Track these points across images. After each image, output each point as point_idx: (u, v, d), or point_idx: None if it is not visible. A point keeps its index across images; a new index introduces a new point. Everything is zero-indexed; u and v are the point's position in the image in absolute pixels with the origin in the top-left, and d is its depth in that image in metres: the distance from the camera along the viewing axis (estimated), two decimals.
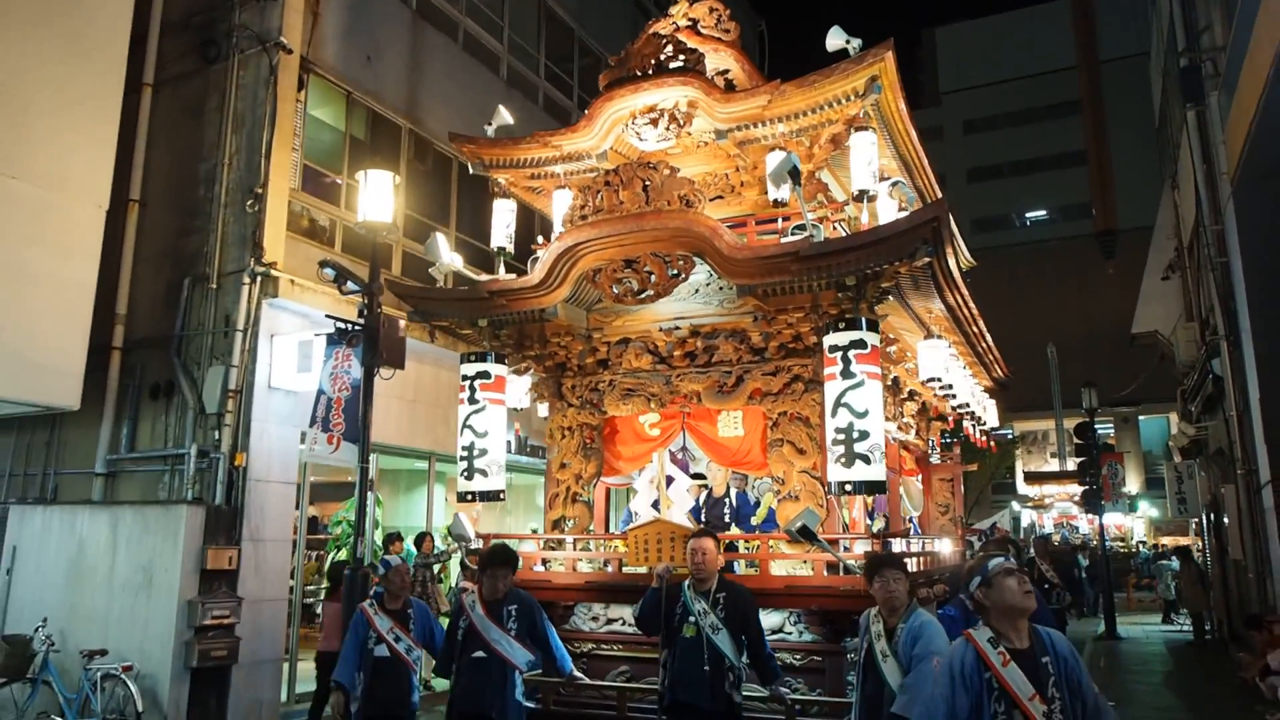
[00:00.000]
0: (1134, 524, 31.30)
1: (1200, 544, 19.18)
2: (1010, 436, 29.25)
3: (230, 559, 8.28)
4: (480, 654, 5.00)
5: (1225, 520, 13.91)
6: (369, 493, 7.68)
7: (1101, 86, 25.93)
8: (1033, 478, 27.61)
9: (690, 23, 7.25)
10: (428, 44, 11.84)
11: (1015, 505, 26.17)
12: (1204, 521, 17.68)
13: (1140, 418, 31.03)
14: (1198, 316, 14.29)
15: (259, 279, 8.89)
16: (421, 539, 10.20)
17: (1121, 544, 28.81)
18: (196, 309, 9.29)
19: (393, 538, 9.97)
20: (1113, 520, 29.53)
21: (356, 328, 7.40)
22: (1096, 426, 18.97)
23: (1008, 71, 42.02)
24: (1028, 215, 43.05)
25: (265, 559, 8.73)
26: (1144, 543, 29.08)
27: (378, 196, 7.43)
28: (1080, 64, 26.91)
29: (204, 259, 9.31)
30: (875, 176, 6.24)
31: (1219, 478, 13.99)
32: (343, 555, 10.34)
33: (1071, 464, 21.26)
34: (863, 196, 6.18)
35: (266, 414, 8.97)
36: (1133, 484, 29.05)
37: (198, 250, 9.44)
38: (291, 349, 8.98)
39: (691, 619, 4.76)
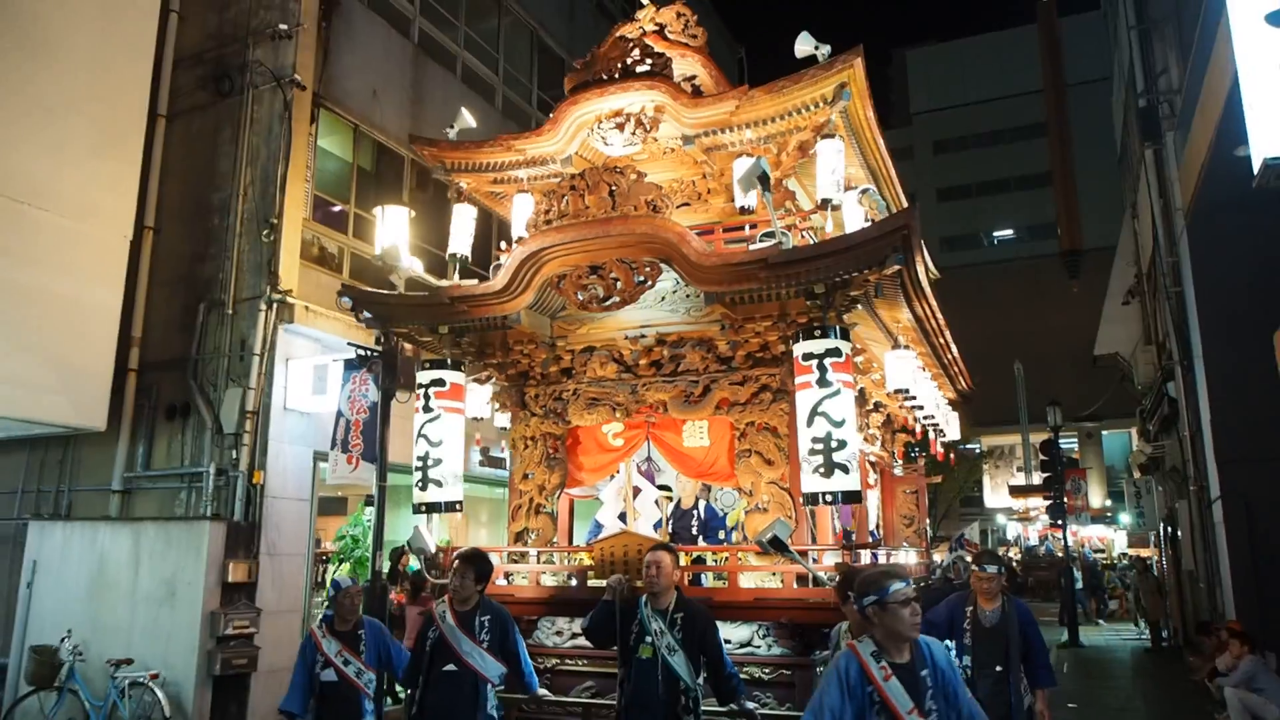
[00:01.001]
0: (1116, 535, 31.70)
1: (1158, 555, 19.91)
2: (978, 451, 29.50)
3: (249, 571, 8.61)
4: (451, 667, 4.75)
5: (1180, 533, 14.65)
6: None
7: (1067, 110, 26.57)
8: (1017, 491, 27.85)
9: (657, 27, 7.19)
10: (428, 77, 12.23)
11: (1000, 518, 26.35)
12: (1161, 534, 18.43)
13: (1103, 433, 31.69)
14: (1155, 341, 14.90)
15: (275, 305, 9.19)
16: (398, 554, 9.91)
17: (1103, 555, 29.19)
18: (212, 333, 9.58)
19: (399, 552, 9.66)
20: (1095, 532, 30.05)
21: (374, 354, 7.75)
22: (1061, 441, 19.83)
23: (977, 94, 43.06)
24: (995, 234, 43.95)
25: (281, 572, 9.05)
26: (1125, 554, 29.42)
27: (394, 230, 7.43)
28: (1046, 88, 27.56)
29: (219, 285, 9.59)
30: (840, 186, 6.18)
31: (1175, 493, 14.55)
32: (345, 569, 10.60)
33: (1037, 478, 21.57)
34: (826, 205, 6.11)
35: (282, 434, 9.25)
36: (1095, 498, 29.46)
37: (212, 276, 9.70)
38: (306, 372, 9.37)
39: (648, 639, 4.57)
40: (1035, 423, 21.48)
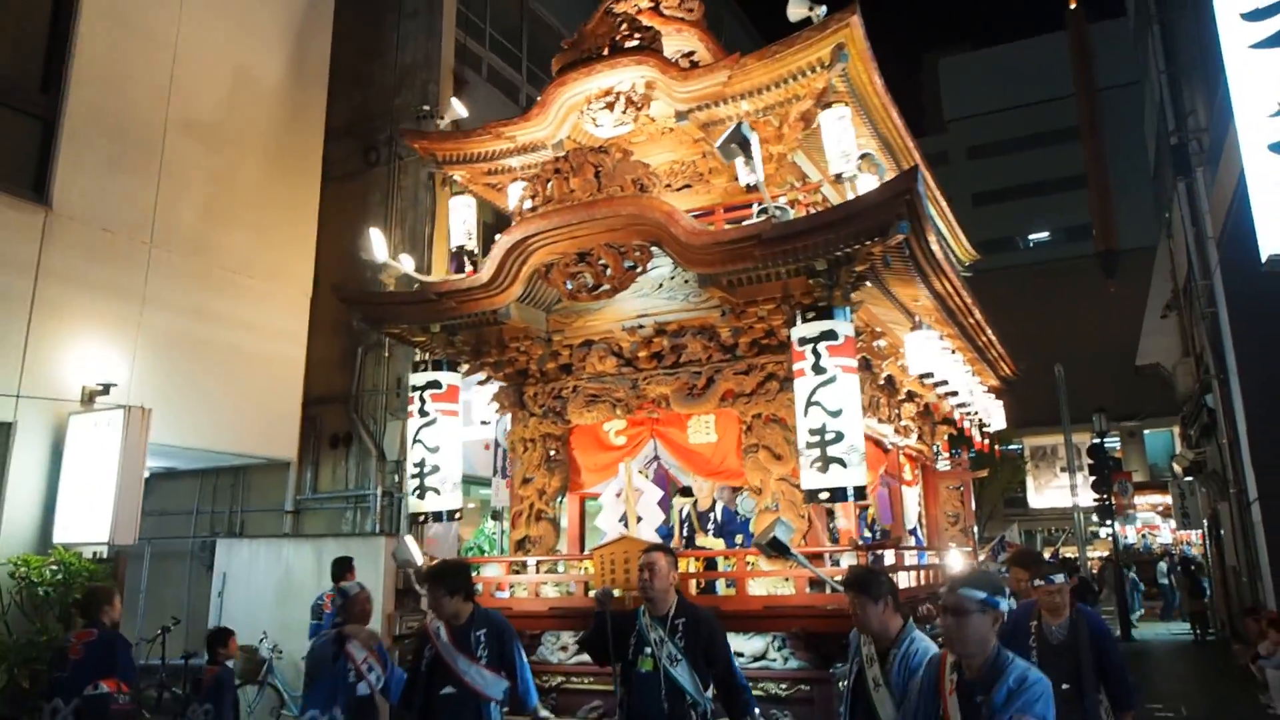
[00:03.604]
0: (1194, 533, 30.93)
1: (1203, 551, 20.63)
2: (1020, 451, 28.74)
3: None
4: (450, 689, 4.30)
5: (1222, 532, 15.66)
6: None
7: (1099, 113, 26.97)
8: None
9: (652, 3, 6.79)
10: None
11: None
12: (1206, 532, 19.01)
13: (1145, 432, 31.36)
14: (1193, 352, 15.96)
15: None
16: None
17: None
18: (370, 372, 10.96)
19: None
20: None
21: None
22: (1105, 441, 20.38)
23: (1009, 100, 43.09)
24: (1031, 237, 43.90)
25: None
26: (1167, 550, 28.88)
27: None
28: (1078, 92, 28.20)
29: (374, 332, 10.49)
30: (850, 157, 5.70)
31: (1217, 495, 15.35)
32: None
33: (1080, 479, 21.42)
34: (840, 179, 5.64)
35: None
36: (1140, 497, 28.74)
37: (368, 326, 10.57)
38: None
39: (647, 650, 4.10)
40: (1076, 423, 21.09)
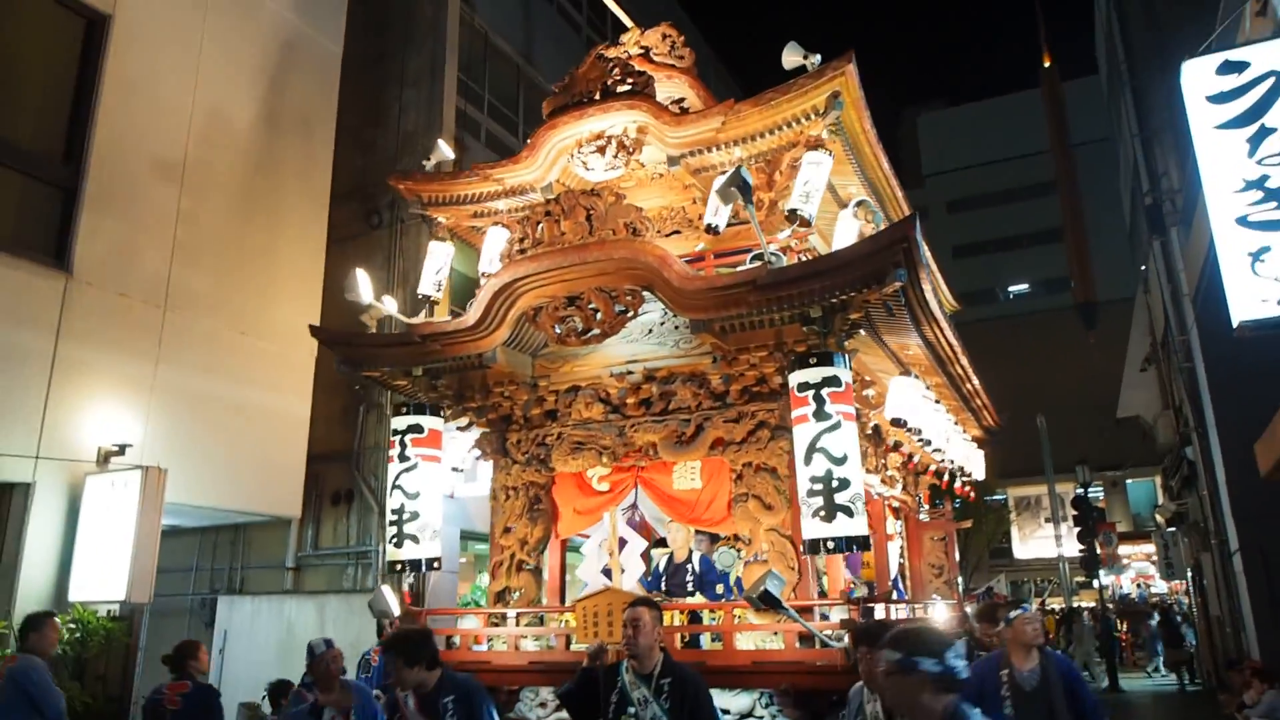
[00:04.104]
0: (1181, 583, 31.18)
1: (1189, 600, 20.83)
2: (1004, 501, 28.78)
3: None
4: None
5: (1205, 582, 15.84)
6: None
7: (1075, 168, 27.50)
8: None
9: (643, 50, 6.79)
10: None
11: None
12: (1189, 581, 19.15)
13: (1128, 481, 31.74)
14: (1172, 405, 16.26)
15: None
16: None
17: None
18: (371, 430, 11.01)
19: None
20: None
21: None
22: (1088, 491, 20.60)
23: (987, 155, 44.16)
24: (1011, 289, 44.68)
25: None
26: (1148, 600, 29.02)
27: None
28: (1053, 148, 28.61)
29: (376, 389, 10.49)
30: (811, 198, 5.52)
31: (1199, 545, 15.53)
32: None
33: (1064, 529, 21.70)
34: (793, 218, 5.43)
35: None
36: (1123, 546, 28.82)
37: (369, 383, 10.55)
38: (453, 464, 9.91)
39: (631, 710, 3.94)
40: (1059, 473, 21.31)
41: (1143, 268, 17.43)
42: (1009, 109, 43.60)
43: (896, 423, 6.21)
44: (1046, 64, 30.45)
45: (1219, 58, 4.84)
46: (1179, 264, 12.58)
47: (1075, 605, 20.21)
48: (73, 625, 7.36)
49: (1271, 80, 4.64)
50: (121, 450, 8.37)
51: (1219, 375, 11.08)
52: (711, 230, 5.51)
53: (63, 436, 8.11)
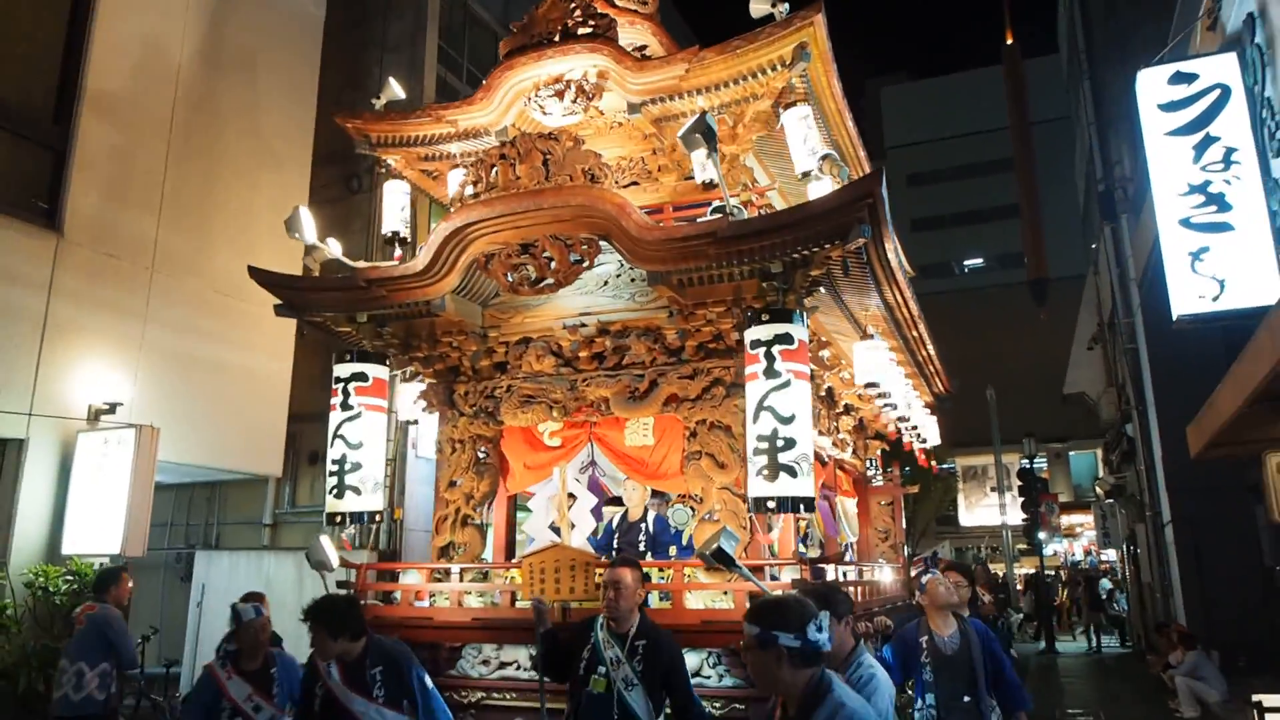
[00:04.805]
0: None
1: (1123, 569, 21.67)
2: (953, 470, 29.29)
3: None
4: None
5: (1139, 551, 16.74)
6: None
7: (1033, 147, 27.68)
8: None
9: None
10: None
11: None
12: (1124, 551, 20.00)
13: (1070, 453, 32.60)
14: (1115, 384, 17.01)
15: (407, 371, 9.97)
16: None
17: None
18: None
19: None
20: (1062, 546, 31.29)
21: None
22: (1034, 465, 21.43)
23: (948, 129, 44.34)
24: (966, 263, 45.11)
25: None
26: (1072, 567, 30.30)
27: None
28: (1012, 127, 28.89)
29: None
30: (816, 155, 5.52)
31: (1135, 516, 16.31)
32: None
33: (1009, 499, 22.19)
34: (808, 178, 5.44)
35: (414, 478, 11.29)
36: (1064, 516, 29.68)
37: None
38: (433, 425, 10.11)
39: (601, 670, 3.80)
40: (1006, 444, 21.84)
41: (1093, 245, 17.80)
42: (971, 85, 43.75)
43: (870, 387, 6.15)
44: (1009, 41, 30.54)
45: (1171, 68, 5.10)
46: (1127, 250, 13.10)
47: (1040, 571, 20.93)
48: (70, 577, 7.70)
49: (1217, 92, 4.97)
50: (112, 409, 8.59)
51: (1160, 358, 11.77)
52: (708, 186, 5.34)
53: (55, 394, 8.31)
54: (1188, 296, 4.78)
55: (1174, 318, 4.89)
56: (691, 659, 5.15)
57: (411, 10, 12.77)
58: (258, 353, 10.50)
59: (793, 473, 4.65)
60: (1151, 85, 5.14)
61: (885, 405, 6.80)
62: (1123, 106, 12.58)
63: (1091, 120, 15.39)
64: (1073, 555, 30.90)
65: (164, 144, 9.65)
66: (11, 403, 7.99)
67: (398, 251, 6.47)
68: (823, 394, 6.96)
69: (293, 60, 11.49)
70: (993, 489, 29.89)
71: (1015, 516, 21.66)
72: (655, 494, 6.67)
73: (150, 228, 9.38)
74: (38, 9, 8.79)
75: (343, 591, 5.24)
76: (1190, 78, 5.04)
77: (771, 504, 4.68)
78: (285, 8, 11.51)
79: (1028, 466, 20.53)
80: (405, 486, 11.26)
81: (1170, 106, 5.04)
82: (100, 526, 7.95)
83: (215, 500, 12.04)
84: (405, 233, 6.60)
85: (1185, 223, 4.84)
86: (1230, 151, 4.84)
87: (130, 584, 6.26)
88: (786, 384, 4.74)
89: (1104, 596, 21.17)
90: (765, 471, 4.70)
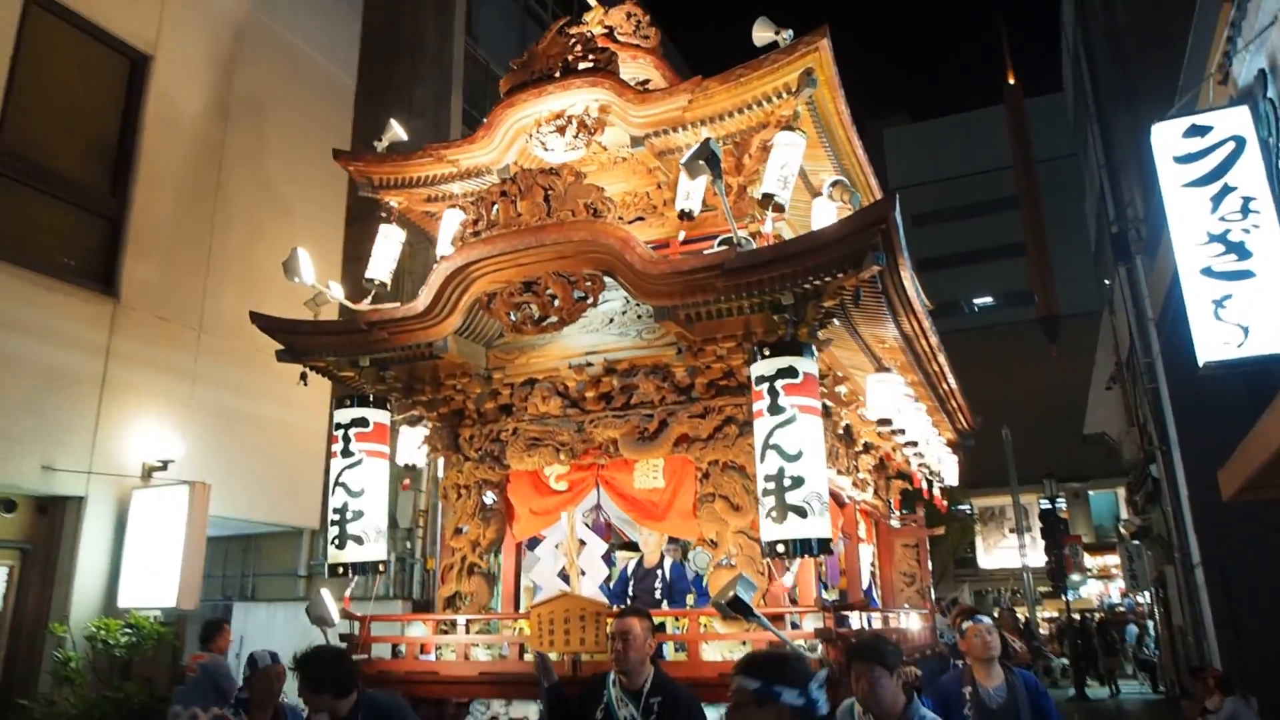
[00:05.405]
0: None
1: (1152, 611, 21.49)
2: (970, 512, 28.84)
3: None
4: None
5: (1168, 594, 16.57)
6: None
7: (1038, 185, 27.96)
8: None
9: (606, 30, 6.51)
10: None
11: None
12: (1153, 593, 19.81)
13: (1090, 492, 32.18)
14: (1137, 423, 16.83)
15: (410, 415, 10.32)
16: None
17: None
18: None
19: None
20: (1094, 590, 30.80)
21: None
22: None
23: (951, 169, 44.66)
24: (976, 302, 45.03)
25: None
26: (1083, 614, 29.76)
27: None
28: (1016, 166, 29.05)
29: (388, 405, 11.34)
30: (787, 182, 5.26)
31: (1162, 558, 16.12)
32: None
33: (1028, 540, 21.87)
34: (768, 202, 5.15)
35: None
36: (1086, 556, 29.10)
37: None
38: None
39: None
40: (1022, 484, 21.54)
41: (1106, 282, 17.77)
42: (973, 125, 44.04)
43: (884, 423, 5.92)
44: (1011, 81, 30.75)
45: (1186, 122, 5.21)
46: (1144, 290, 13.06)
47: (1086, 614, 20.64)
48: (128, 630, 8.00)
49: (1232, 144, 5.02)
50: (164, 466, 8.93)
51: (1182, 398, 11.62)
52: (685, 216, 5.19)
53: (111, 452, 8.68)
54: (1212, 344, 4.84)
55: (1199, 364, 4.95)
56: (710, 715, 4.88)
57: (436, 77, 13.35)
58: (296, 408, 10.50)
59: (802, 513, 4.41)
60: (1166, 138, 5.23)
61: (904, 442, 6.55)
62: (1132, 148, 12.76)
63: (1102, 162, 15.46)
64: (1108, 598, 30.27)
65: (210, 210, 10.18)
66: (72, 461, 8.36)
67: (393, 298, 6.32)
68: (840, 431, 6.73)
69: (326, 128, 11.84)
70: (1011, 530, 29.40)
71: (1036, 558, 21.21)
72: (673, 540, 6.43)
73: (198, 290, 9.86)
74: (96, 86, 9.37)
75: (340, 645, 5.00)
76: (1204, 130, 5.14)
77: (782, 547, 4.44)
78: (319, 79, 12.11)
79: (1049, 508, 20.29)
80: (439, 536, 11.35)
81: (1186, 159, 5.14)
82: (155, 580, 8.26)
83: (250, 552, 12.22)
84: (387, 280, 6.46)
85: (1206, 271, 4.92)
86: (1248, 201, 4.91)
87: (230, 634, 7.03)
88: (791, 420, 4.53)
89: (1132, 641, 20.67)
90: (774, 513, 4.47)
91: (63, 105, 9.02)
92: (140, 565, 8.37)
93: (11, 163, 8.37)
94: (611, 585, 6.34)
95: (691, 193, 5.17)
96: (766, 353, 4.66)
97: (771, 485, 4.50)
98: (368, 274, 6.40)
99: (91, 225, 9.23)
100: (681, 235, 5.68)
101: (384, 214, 6.56)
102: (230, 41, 10.67)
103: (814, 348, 4.79)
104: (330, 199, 11.90)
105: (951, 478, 8.83)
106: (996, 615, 17.96)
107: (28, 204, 8.65)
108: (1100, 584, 31.22)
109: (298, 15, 11.80)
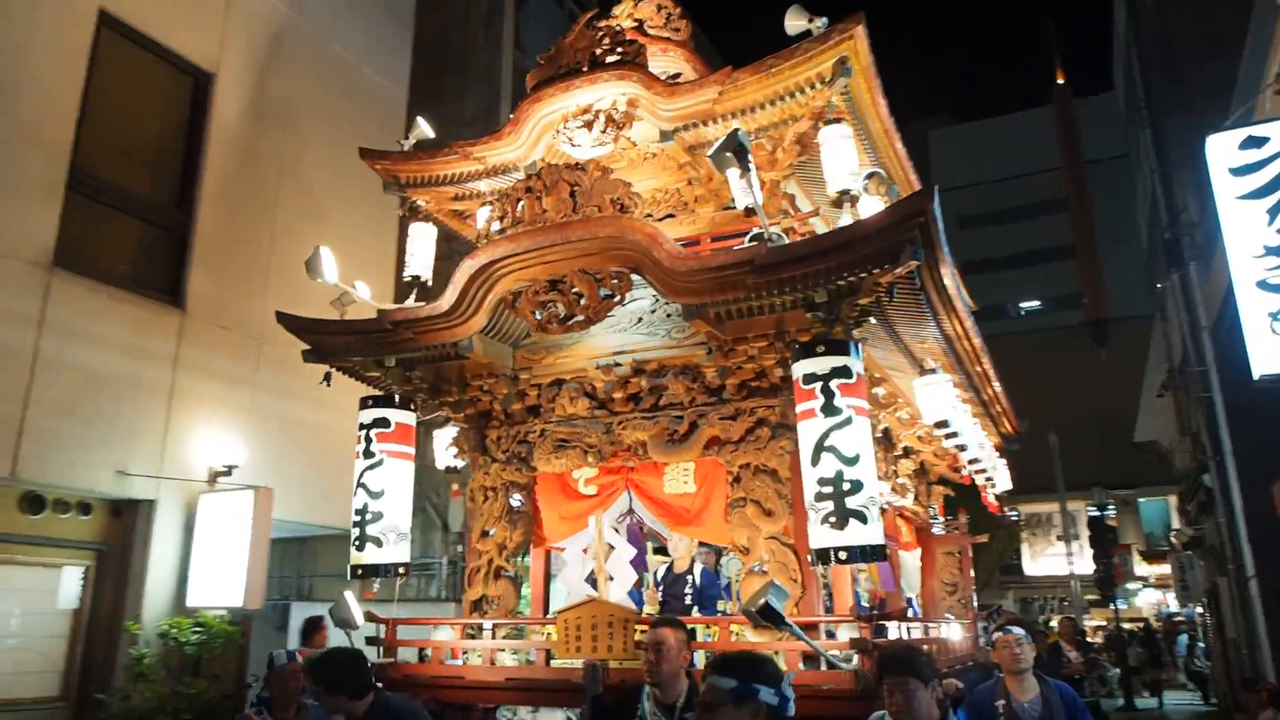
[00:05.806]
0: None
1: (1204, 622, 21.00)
2: (1016, 518, 28.22)
3: None
4: None
5: (1221, 605, 16.26)
6: None
7: (1088, 185, 27.47)
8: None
9: (636, 24, 6.35)
10: None
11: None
12: (1206, 605, 19.42)
13: (1140, 500, 31.18)
14: (1189, 432, 16.45)
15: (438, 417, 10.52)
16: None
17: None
18: (425, 448, 11.95)
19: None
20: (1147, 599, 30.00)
21: None
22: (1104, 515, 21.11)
23: (998, 171, 43.78)
24: (1022, 306, 44.21)
25: None
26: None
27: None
28: (1065, 167, 28.54)
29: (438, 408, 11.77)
30: (855, 175, 5.17)
31: (1216, 569, 15.78)
32: None
33: (1076, 548, 21.22)
34: (844, 199, 5.07)
35: None
36: (1137, 565, 28.30)
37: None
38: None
39: None
40: (1070, 490, 20.91)
41: (1159, 286, 17.38)
42: (1021, 126, 43.10)
43: (940, 425, 5.70)
44: (1060, 81, 30.10)
45: (1242, 133, 5.19)
46: (1197, 297, 12.90)
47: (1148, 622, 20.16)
48: (198, 629, 8.38)
49: None
50: (228, 470, 9.26)
51: (1237, 408, 11.45)
52: (750, 212, 5.01)
53: (179, 457, 9.03)
54: (1268, 356, 4.88)
55: (1254, 377, 4.98)
56: None
57: (485, 88, 13.74)
58: (349, 414, 10.57)
59: (863, 519, 4.23)
60: (1222, 150, 5.21)
61: (956, 446, 6.31)
62: (1186, 154, 12.38)
63: (1155, 167, 15.25)
64: (1165, 607, 29.50)
65: (271, 221, 10.45)
66: (144, 466, 8.67)
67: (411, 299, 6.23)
68: (879, 435, 6.51)
69: (377, 139, 12.13)
70: (1058, 537, 28.73)
71: (1083, 566, 20.65)
72: (704, 544, 6.26)
73: (257, 300, 10.01)
74: (161, 103, 9.73)
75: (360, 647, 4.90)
76: (1261, 141, 5.12)
77: (843, 554, 4.24)
78: (370, 92, 12.36)
79: (1098, 516, 19.93)
80: None
81: (1242, 170, 5.13)
82: (221, 581, 8.56)
83: (305, 553, 12.46)
84: (427, 277, 6.36)
85: (1263, 285, 4.94)
86: None
87: (327, 631, 7.22)
88: (848, 421, 4.34)
89: (1183, 652, 20.06)
90: (832, 519, 4.26)
91: (131, 123, 9.36)
92: (207, 566, 8.69)
93: (85, 181, 8.64)
94: (641, 590, 6.19)
95: (744, 187, 5.00)
96: (820, 350, 4.47)
97: (829, 490, 4.31)
98: (407, 271, 6.32)
99: (159, 239, 9.57)
100: (753, 231, 5.46)
101: (410, 211, 6.47)
102: (286, 57, 10.98)
103: (859, 348, 4.60)
104: (382, 209, 11.92)
105: (1004, 483, 8.55)
106: (1058, 623, 17.74)
107: (100, 220, 8.98)
108: (1159, 593, 30.38)
109: (349, 30, 12.11)
